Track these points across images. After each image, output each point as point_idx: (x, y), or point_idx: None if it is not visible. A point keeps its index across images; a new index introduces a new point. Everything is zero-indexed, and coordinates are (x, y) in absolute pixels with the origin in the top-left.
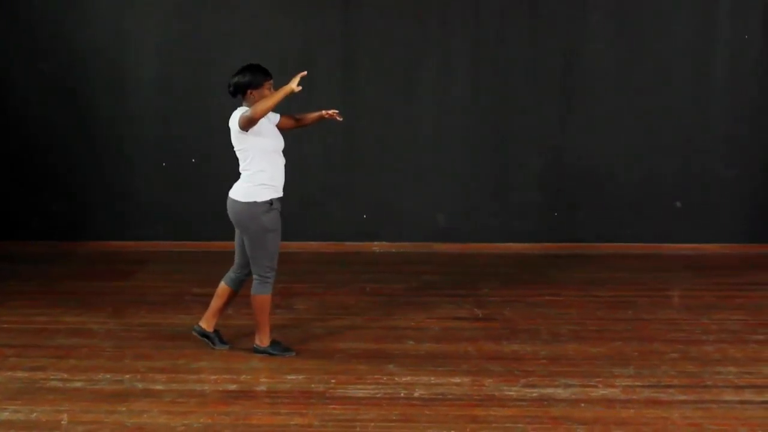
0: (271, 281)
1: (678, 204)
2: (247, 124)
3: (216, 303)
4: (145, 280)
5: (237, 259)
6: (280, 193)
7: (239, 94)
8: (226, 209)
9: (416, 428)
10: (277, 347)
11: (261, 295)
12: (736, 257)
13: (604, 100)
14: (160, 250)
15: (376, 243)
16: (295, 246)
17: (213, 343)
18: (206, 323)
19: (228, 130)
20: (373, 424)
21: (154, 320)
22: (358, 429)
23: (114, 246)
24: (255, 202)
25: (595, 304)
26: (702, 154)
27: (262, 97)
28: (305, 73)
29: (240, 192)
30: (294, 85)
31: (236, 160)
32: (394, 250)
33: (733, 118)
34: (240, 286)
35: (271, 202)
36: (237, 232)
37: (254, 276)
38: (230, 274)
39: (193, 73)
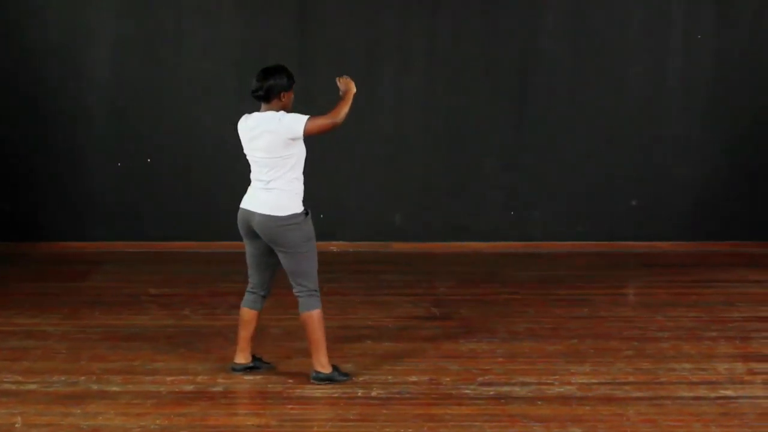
0: (319, 294)
1: (634, 202)
2: (321, 131)
3: (245, 333)
4: (100, 281)
5: (256, 278)
6: None
7: (272, 97)
8: (180, 209)
9: (374, 427)
10: (340, 372)
11: (316, 310)
12: (689, 255)
13: (559, 100)
14: (115, 251)
15: (333, 243)
16: None
17: (259, 369)
18: (243, 357)
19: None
20: (330, 423)
21: (110, 321)
22: (315, 429)
23: (69, 247)
24: (295, 214)
25: (552, 302)
26: (655, 153)
27: (291, 100)
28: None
29: (277, 205)
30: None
31: (195, 158)
32: (351, 250)
33: (686, 118)
34: (263, 305)
35: (307, 211)
36: (252, 248)
37: (302, 292)
38: (250, 296)
39: (148, 72)
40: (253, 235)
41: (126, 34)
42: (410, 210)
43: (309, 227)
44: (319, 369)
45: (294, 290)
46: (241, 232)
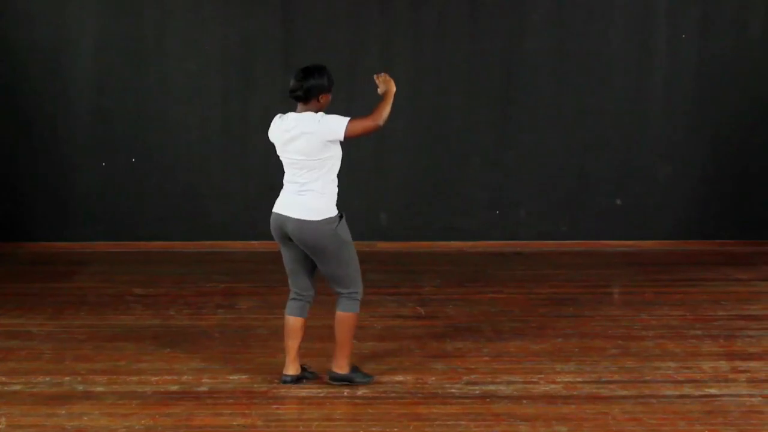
0: (360, 298)
1: (618, 202)
2: (363, 133)
3: (294, 343)
4: (84, 281)
5: (299, 283)
6: None
7: (310, 98)
8: (165, 208)
9: (360, 427)
10: (360, 374)
11: (352, 313)
12: (674, 254)
13: (544, 99)
14: (99, 251)
15: None
16: (238, 245)
17: (309, 379)
18: (293, 368)
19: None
20: (316, 423)
21: (94, 321)
22: (301, 428)
23: (53, 247)
24: (329, 218)
25: (537, 301)
26: (640, 152)
27: (328, 102)
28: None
29: (313, 209)
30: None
31: (179, 158)
32: None
33: (670, 117)
34: (307, 312)
35: (341, 214)
36: (289, 252)
37: (343, 293)
38: (296, 303)
39: (132, 72)
40: (288, 239)
41: (109, 33)
42: (396, 209)
43: (344, 231)
44: (337, 370)
45: (334, 289)
46: (276, 237)
